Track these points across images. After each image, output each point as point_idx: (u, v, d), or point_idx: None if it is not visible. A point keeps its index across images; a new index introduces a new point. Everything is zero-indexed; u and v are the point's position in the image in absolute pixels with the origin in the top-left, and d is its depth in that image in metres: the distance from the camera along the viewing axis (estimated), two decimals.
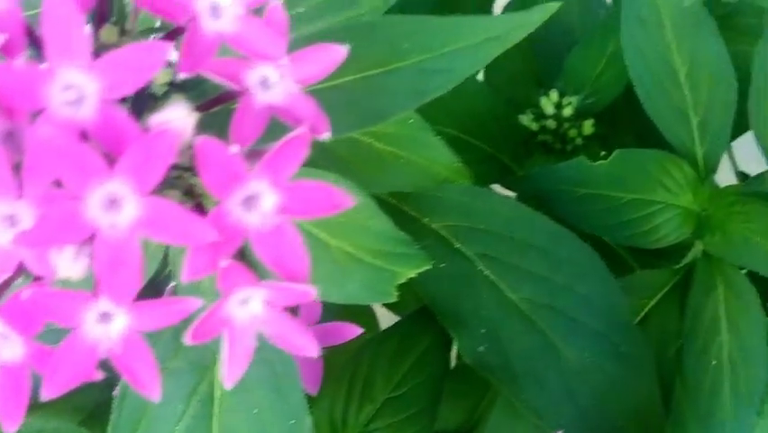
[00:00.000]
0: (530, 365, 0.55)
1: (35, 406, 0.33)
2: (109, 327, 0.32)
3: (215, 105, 0.34)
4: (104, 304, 0.32)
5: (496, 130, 0.65)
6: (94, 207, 0.30)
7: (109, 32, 0.34)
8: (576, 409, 0.55)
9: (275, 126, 0.35)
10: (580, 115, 0.63)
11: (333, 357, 0.61)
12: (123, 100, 0.34)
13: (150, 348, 0.33)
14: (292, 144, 0.32)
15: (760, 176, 0.59)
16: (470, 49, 0.39)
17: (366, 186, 0.49)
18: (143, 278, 0.46)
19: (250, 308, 0.34)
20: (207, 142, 0.31)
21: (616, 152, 0.58)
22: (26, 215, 0.30)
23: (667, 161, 0.59)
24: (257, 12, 0.33)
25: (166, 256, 0.41)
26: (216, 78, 0.31)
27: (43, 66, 0.29)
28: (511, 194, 0.66)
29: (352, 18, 0.48)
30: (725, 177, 0.72)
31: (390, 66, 0.39)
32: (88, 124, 0.30)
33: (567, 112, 0.62)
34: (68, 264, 0.32)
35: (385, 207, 0.55)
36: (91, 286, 0.32)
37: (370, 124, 0.40)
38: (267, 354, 0.47)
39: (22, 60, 0.30)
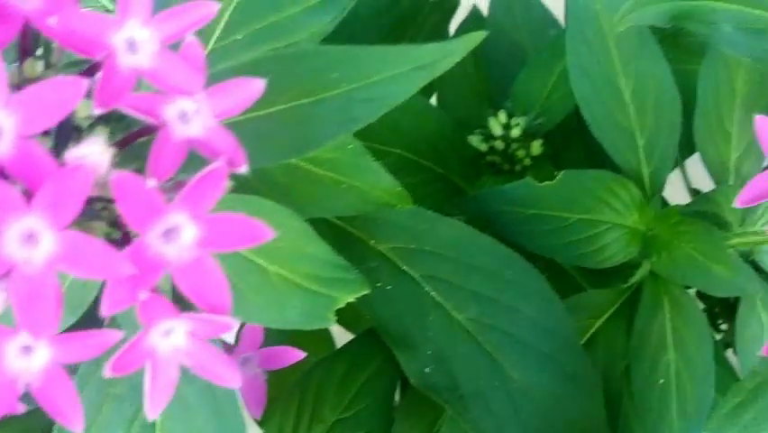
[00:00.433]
0: (476, 386, 0.56)
1: None
2: (30, 360, 0.32)
3: (136, 139, 0.34)
4: (24, 338, 0.32)
5: (445, 150, 0.65)
6: (10, 243, 0.30)
7: (31, 66, 0.34)
8: (522, 429, 0.55)
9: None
10: (529, 135, 0.64)
11: (283, 376, 0.62)
12: (46, 133, 0.35)
13: (71, 379, 0.33)
14: (210, 177, 0.32)
15: (703, 196, 0.59)
16: (397, 78, 0.39)
17: (307, 211, 0.49)
18: (83, 307, 0.46)
19: (172, 339, 0.34)
20: (124, 176, 0.31)
21: (562, 173, 0.59)
22: None
23: (613, 181, 0.59)
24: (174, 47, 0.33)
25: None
26: (133, 113, 0.32)
27: None
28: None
29: (290, 45, 0.49)
30: (679, 195, 0.73)
31: (319, 95, 0.39)
32: (5, 160, 0.30)
33: (515, 133, 0.63)
34: None
35: (331, 229, 0.55)
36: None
37: (301, 152, 0.40)
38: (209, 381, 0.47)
39: None
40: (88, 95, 0.32)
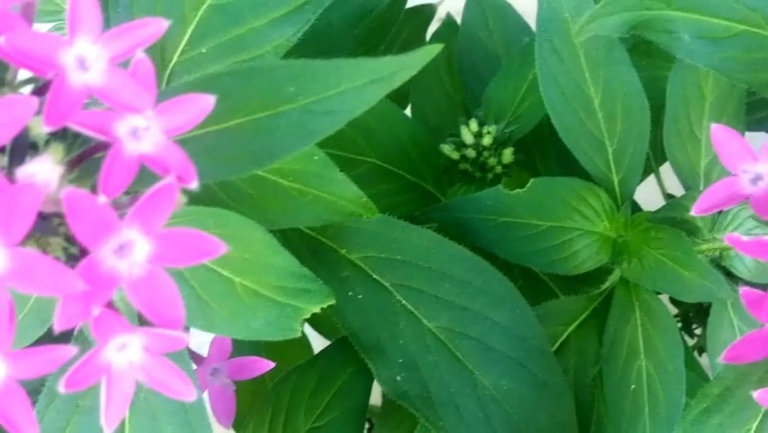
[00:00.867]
0: (448, 393, 0.56)
1: None
2: None
3: (90, 156, 0.35)
4: None
5: (419, 159, 0.65)
6: None
7: None
8: None
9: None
10: (501, 142, 0.64)
11: (258, 386, 0.62)
12: (1, 150, 0.35)
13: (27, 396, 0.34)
14: (161, 193, 0.32)
15: (673, 202, 0.60)
16: (354, 91, 0.39)
17: (274, 222, 0.49)
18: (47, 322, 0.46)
19: (127, 354, 0.34)
20: (74, 193, 0.31)
21: (532, 181, 0.59)
22: None
23: (583, 188, 0.60)
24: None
25: None
26: (84, 131, 0.32)
27: None
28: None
29: (255, 57, 0.49)
30: (655, 201, 0.73)
31: (277, 109, 0.39)
32: None
33: (486, 141, 0.63)
34: None
35: (303, 238, 0.56)
36: None
37: (260, 166, 0.41)
38: None
39: None
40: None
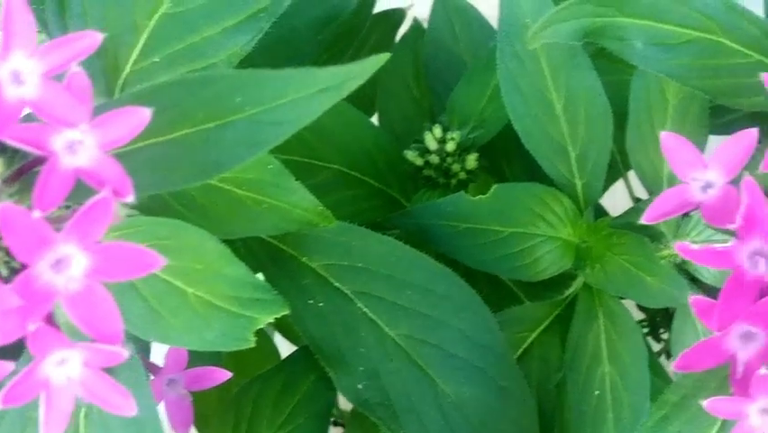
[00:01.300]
0: (409, 401, 0.56)
1: None
2: None
3: (29, 170, 0.34)
4: None
5: (384, 165, 0.65)
6: None
7: None
8: None
9: None
10: (466, 148, 0.64)
11: (223, 392, 0.62)
12: None
13: None
14: (97, 207, 0.32)
15: (636, 207, 0.60)
16: (302, 100, 0.39)
17: (229, 231, 0.49)
18: None
19: (67, 369, 0.34)
20: (8, 208, 0.31)
21: (495, 187, 0.59)
22: None
23: (546, 194, 0.60)
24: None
25: None
26: (19, 145, 0.32)
27: None
28: None
29: (209, 66, 0.49)
30: (624, 205, 0.73)
31: (224, 119, 0.39)
32: None
33: (450, 147, 0.63)
34: None
35: (263, 246, 0.55)
36: None
37: (208, 176, 0.40)
38: None
39: None
40: None
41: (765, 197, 0.46)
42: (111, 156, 0.33)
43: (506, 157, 0.71)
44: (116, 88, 0.49)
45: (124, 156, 0.39)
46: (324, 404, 0.60)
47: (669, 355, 0.71)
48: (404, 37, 0.74)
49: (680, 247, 0.40)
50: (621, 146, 0.63)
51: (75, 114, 0.32)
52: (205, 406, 0.68)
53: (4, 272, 0.36)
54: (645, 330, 0.77)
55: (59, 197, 0.32)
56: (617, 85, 0.64)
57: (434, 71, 0.71)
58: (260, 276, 0.58)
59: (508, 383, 0.56)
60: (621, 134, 0.62)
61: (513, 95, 0.59)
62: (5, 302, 0.31)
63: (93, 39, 0.33)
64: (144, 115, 0.33)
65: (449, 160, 0.64)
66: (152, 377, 0.52)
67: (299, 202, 0.49)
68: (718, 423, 0.48)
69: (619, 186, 0.79)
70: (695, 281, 0.59)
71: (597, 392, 0.59)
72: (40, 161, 0.34)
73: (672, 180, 0.60)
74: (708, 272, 0.59)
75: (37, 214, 0.32)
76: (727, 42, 0.46)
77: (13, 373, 0.34)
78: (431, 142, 0.64)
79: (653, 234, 0.59)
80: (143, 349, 0.57)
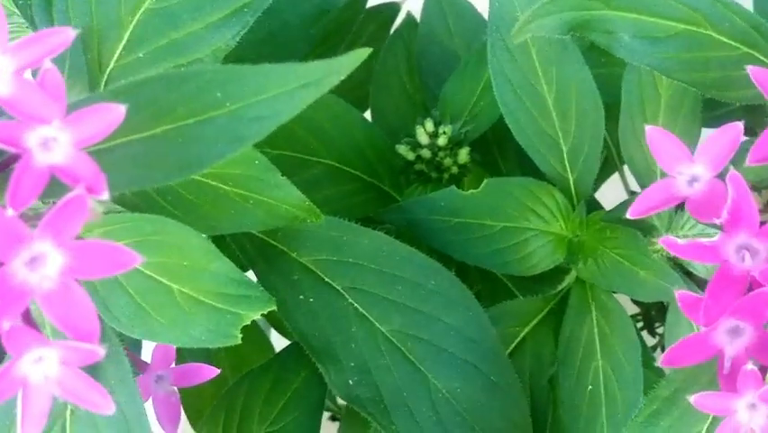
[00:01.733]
0: (401, 397, 0.56)
1: None
2: None
3: (5, 168, 0.34)
4: None
5: (375, 160, 0.65)
6: None
7: None
8: None
9: None
10: (458, 142, 0.64)
11: (218, 387, 0.62)
12: None
13: None
14: (71, 204, 0.32)
15: (627, 201, 0.59)
16: (283, 96, 0.39)
17: (215, 228, 0.49)
18: None
19: (44, 367, 0.34)
20: None
21: (486, 181, 0.59)
22: None
23: (538, 188, 0.59)
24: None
25: None
26: None
27: None
28: None
29: (193, 61, 0.49)
30: (620, 199, 0.73)
31: (205, 115, 0.39)
32: None
33: (442, 141, 0.63)
34: None
35: (253, 242, 0.55)
36: None
37: (189, 173, 0.40)
38: (118, 400, 0.47)
39: None
40: None
41: (752, 191, 0.45)
42: (86, 153, 0.33)
43: (500, 151, 0.70)
44: (101, 84, 0.49)
45: (104, 152, 0.39)
46: (316, 400, 0.60)
47: (663, 350, 0.71)
48: (397, 31, 0.73)
49: (666, 242, 0.39)
50: (616, 140, 0.63)
51: (48, 110, 0.32)
52: (199, 401, 0.68)
53: None
54: (640, 324, 0.77)
55: (32, 194, 0.32)
56: (610, 78, 0.63)
57: (427, 65, 0.71)
58: (250, 272, 0.58)
59: (500, 378, 0.56)
60: (616, 128, 0.61)
61: (504, 89, 0.59)
62: None
63: (65, 35, 0.33)
64: (119, 111, 0.33)
65: (441, 154, 0.63)
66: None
67: (286, 198, 0.49)
68: (709, 418, 0.48)
69: (615, 179, 0.79)
70: (689, 275, 0.59)
71: (590, 387, 0.59)
72: (14, 158, 0.34)
73: (666, 174, 0.59)
74: (701, 266, 0.59)
75: (11, 212, 0.31)
76: (715, 35, 0.45)
77: None
78: (422, 136, 0.63)
79: (645, 228, 0.58)
80: (133, 346, 0.57)
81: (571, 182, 0.60)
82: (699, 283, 0.58)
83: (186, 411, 0.71)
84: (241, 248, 0.57)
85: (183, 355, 0.66)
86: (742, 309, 0.39)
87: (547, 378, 0.60)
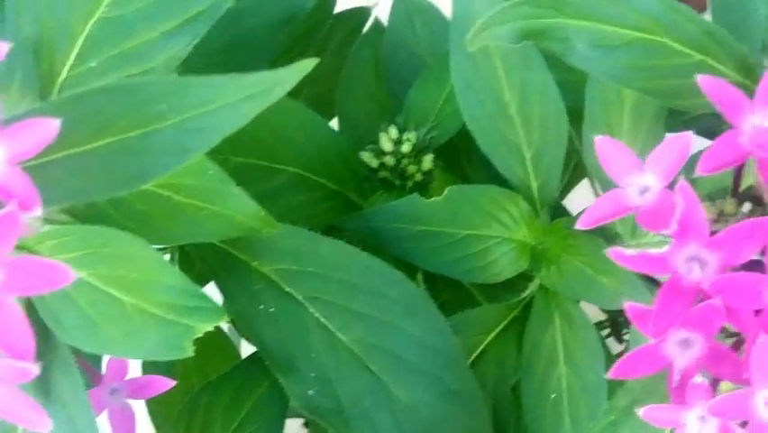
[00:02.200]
0: (361, 407, 0.55)
1: None
2: None
3: None
4: None
5: (341, 167, 0.65)
6: None
7: None
8: None
9: None
10: (423, 149, 0.63)
11: (182, 398, 0.61)
12: None
13: None
14: (3, 222, 0.32)
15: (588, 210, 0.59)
16: (228, 107, 0.38)
17: (169, 238, 0.49)
18: None
19: None
20: None
21: (449, 188, 0.59)
22: None
23: (501, 195, 0.59)
24: None
25: None
26: None
27: None
28: None
29: (146, 71, 0.48)
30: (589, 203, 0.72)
31: (149, 127, 0.39)
32: None
33: (405, 148, 0.62)
34: None
35: (214, 251, 0.55)
36: None
37: (134, 186, 0.40)
38: (70, 412, 0.47)
39: None
40: None
41: (708, 200, 0.45)
42: (19, 168, 0.33)
43: (468, 158, 0.70)
44: (53, 94, 0.48)
45: (46, 166, 0.38)
46: (277, 411, 0.59)
47: None
48: (364, 37, 0.73)
49: (613, 253, 0.39)
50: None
51: None
52: (166, 409, 0.68)
53: None
54: (607, 331, 0.77)
55: None
56: (576, 83, 0.63)
57: (394, 71, 0.70)
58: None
59: (461, 387, 0.56)
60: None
61: (466, 95, 0.59)
62: None
63: None
64: (53, 126, 0.33)
65: (404, 161, 0.63)
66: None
67: (241, 208, 0.49)
68: (667, 430, 0.48)
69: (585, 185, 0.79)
70: (653, 282, 0.59)
71: (553, 395, 0.58)
72: None
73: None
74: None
75: None
76: (669, 43, 0.45)
77: None
78: (386, 143, 0.63)
79: (609, 235, 0.58)
80: (93, 359, 0.56)
81: (535, 189, 0.60)
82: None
83: (152, 419, 0.70)
84: (201, 257, 0.57)
85: (146, 364, 0.66)
86: (692, 321, 0.39)
87: (510, 386, 0.60)
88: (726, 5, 0.50)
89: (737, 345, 0.42)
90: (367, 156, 0.63)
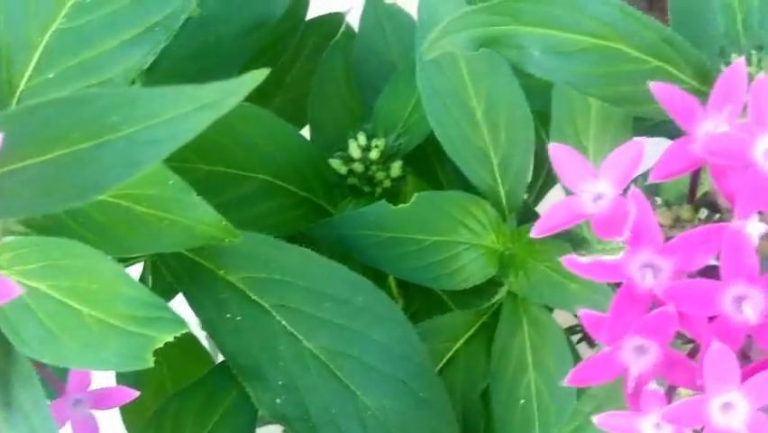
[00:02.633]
0: (329, 414, 0.55)
1: None
2: None
3: None
4: None
5: (311, 174, 0.64)
6: None
7: None
8: None
9: None
10: (391, 155, 0.63)
11: (151, 403, 0.61)
12: None
13: None
14: None
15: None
16: (181, 118, 0.38)
17: (130, 249, 0.48)
18: None
19: None
20: None
21: (416, 195, 0.58)
22: None
23: (468, 201, 0.59)
24: None
25: None
26: None
27: None
28: None
29: (104, 81, 0.48)
30: None
31: (100, 139, 0.39)
32: None
33: (374, 155, 0.62)
34: None
35: (180, 260, 0.55)
36: None
37: (87, 197, 0.40)
38: (31, 424, 0.47)
39: None
40: None
41: (664, 207, 0.45)
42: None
43: (440, 164, 0.70)
44: (12, 105, 0.48)
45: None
46: (247, 420, 0.59)
47: None
48: (335, 43, 0.73)
49: (567, 261, 0.39)
50: None
51: None
52: (139, 418, 0.68)
53: None
54: (579, 336, 0.77)
55: None
56: (545, 88, 0.63)
57: (365, 77, 0.70)
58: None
59: (429, 394, 0.56)
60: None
61: (433, 102, 0.59)
62: None
63: None
64: None
65: (373, 168, 0.63)
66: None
67: (202, 217, 0.49)
68: None
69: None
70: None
71: (522, 401, 0.58)
72: None
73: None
74: None
75: None
76: (625, 49, 0.45)
77: None
78: (355, 150, 0.63)
79: (576, 240, 0.58)
80: (59, 370, 0.56)
81: (503, 195, 0.60)
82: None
83: (126, 428, 0.70)
84: (167, 266, 0.57)
85: (119, 373, 0.66)
86: (646, 328, 0.39)
87: (479, 392, 0.60)
88: (686, 13, 0.50)
89: (694, 352, 0.42)
90: (336, 163, 0.63)
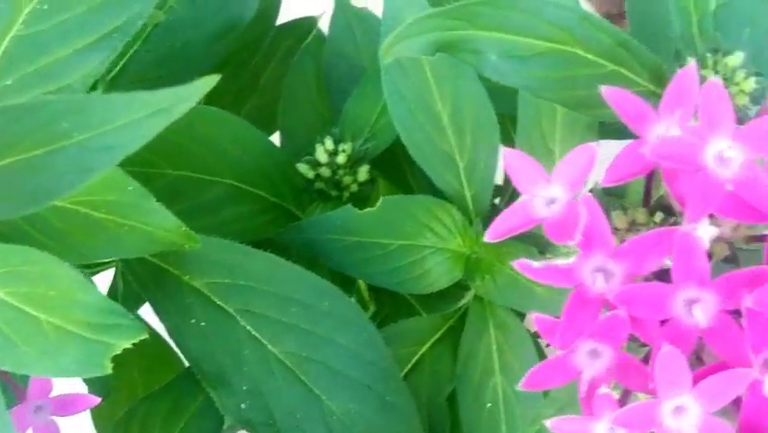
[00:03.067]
0: (294, 419, 0.55)
1: None
2: None
3: None
4: None
5: (279, 178, 0.64)
6: None
7: None
8: None
9: None
10: (359, 160, 0.63)
11: (123, 407, 0.61)
12: None
13: None
14: None
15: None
16: (131, 125, 0.38)
17: (89, 255, 0.48)
18: None
19: None
20: None
21: (382, 199, 0.58)
22: None
23: (434, 205, 0.59)
24: None
25: None
26: None
27: None
28: None
29: (62, 88, 0.48)
30: None
31: (52, 146, 0.39)
32: None
33: (341, 159, 0.62)
34: None
35: (144, 265, 0.55)
36: None
37: (39, 204, 0.40)
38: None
39: None
40: None
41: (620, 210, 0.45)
42: None
43: (410, 167, 0.70)
44: None
45: None
46: (213, 425, 0.59)
47: None
48: (305, 47, 0.73)
49: (519, 265, 0.39)
50: None
51: None
52: (110, 424, 0.68)
53: None
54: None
55: None
56: (512, 92, 0.63)
57: (335, 81, 0.70)
58: None
59: (395, 399, 0.56)
60: None
61: (398, 106, 0.59)
62: None
63: None
64: None
65: (340, 172, 0.63)
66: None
67: (162, 223, 0.49)
68: None
69: None
70: None
71: (489, 405, 0.58)
72: None
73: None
74: None
75: None
76: (581, 53, 0.45)
77: None
78: (321, 154, 0.63)
79: (542, 244, 0.58)
80: (20, 376, 0.56)
81: (469, 199, 0.60)
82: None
83: (96, 430, 0.70)
84: (132, 272, 0.57)
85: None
86: (598, 332, 0.39)
87: (445, 396, 0.60)
88: (643, 15, 0.50)
89: (649, 356, 0.42)
90: (303, 167, 0.63)
